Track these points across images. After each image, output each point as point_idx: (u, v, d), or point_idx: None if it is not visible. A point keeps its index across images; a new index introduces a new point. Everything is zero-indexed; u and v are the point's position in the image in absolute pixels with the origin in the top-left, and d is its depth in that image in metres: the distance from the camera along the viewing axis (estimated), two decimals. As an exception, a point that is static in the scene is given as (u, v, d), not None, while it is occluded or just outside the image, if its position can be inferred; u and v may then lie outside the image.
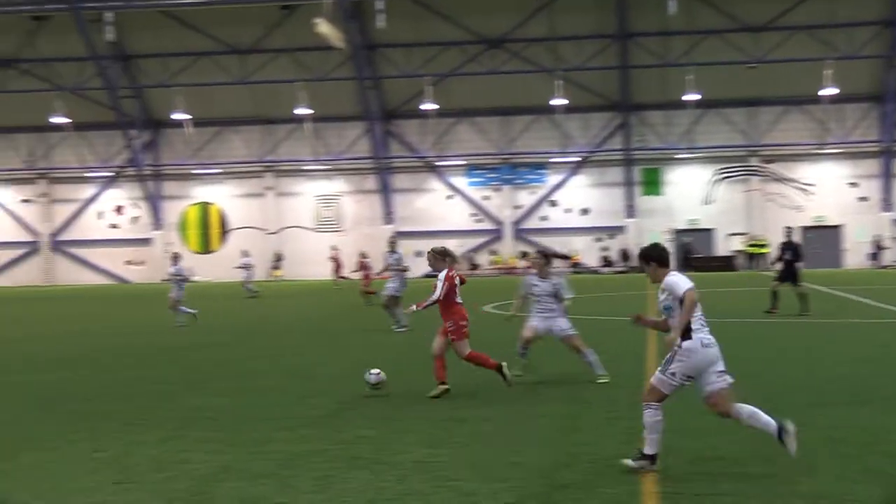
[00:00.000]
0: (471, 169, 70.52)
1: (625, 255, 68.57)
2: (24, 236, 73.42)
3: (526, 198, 70.43)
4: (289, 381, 16.08)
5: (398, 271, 25.40)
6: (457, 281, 14.15)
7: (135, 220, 72.55)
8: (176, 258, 29.77)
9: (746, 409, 9.11)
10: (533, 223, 70.31)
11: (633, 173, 68.78)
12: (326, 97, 67.26)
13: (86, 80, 66.80)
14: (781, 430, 8.98)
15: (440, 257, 14.30)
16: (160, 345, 22.71)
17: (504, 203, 70.39)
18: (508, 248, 69.67)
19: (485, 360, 14.06)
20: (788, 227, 29.44)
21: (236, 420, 12.36)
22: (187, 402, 14.04)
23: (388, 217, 70.11)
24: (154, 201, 71.73)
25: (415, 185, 70.87)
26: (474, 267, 66.25)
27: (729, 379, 9.11)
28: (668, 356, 9.06)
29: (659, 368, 9.15)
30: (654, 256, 9.43)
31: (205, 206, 72.43)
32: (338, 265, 53.21)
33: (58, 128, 69.99)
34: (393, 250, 25.85)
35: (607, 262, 69.13)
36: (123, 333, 25.86)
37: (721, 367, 9.08)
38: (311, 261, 68.75)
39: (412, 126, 70.02)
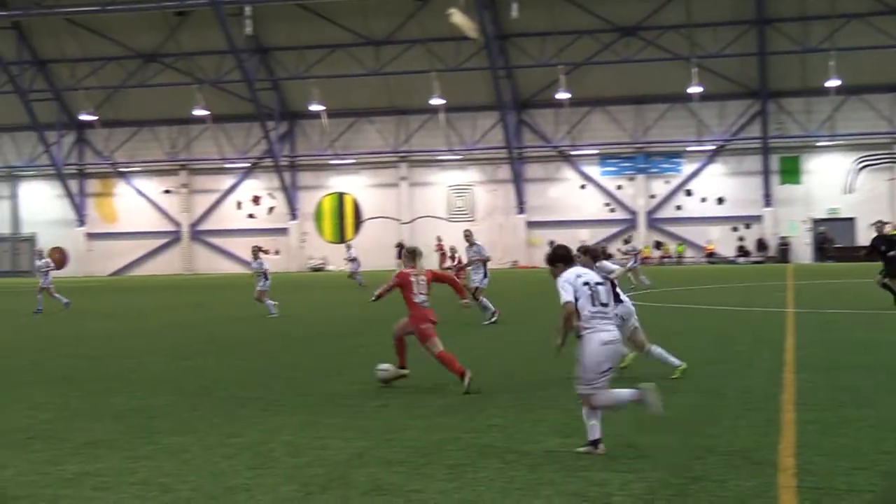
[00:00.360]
0: (604, 158, 69.95)
1: (762, 245, 67.21)
2: (165, 226, 75.37)
3: (660, 187, 69.60)
4: (421, 369, 16.16)
5: (480, 263, 25.36)
6: (411, 280, 13.97)
7: (271, 210, 73.86)
8: (256, 253, 30.15)
9: (607, 395, 9.49)
10: (668, 213, 69.45)
11: (771, 161, 67.35)
12: (460, 87, 67.45)
13: (225, 74, 68.21)
14: (641, 397, 9.48)
15: (408, 256, 14.40)
16: (293, 333, 23.06)
17: (638, 192, 69.65)
18: (642, 238, 68.95)
19: (452, 365, 13.79)
20: (881, 222, 27.97)
21: (370, 407, 12.46)
22: (322, 388, 14.21)
23: (521, 207, 70.02)
24: (290, 191, 72.91)
25: (547, 174, 70.61)
26: (607, 257, 65.58)
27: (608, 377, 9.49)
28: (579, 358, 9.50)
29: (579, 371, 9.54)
30: (557, 257, 9.79)
31: (339, 196, 73.36)
32: (443, 256, 53.60)
33: (198, 120, 71.70)
34: (471, 243, 25.69)
35: (744, 252, 67.85)
36: (256, 321, 26.32)
37: (609, 367, 9.46)
38: (444, 250, 69.16)
39: (545, 115, 69.75)
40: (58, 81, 72.53)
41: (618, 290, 14.11)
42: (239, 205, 74.51)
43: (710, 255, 67.91)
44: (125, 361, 18.19)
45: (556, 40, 65.19)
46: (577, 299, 9.38)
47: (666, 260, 68.42)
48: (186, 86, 69.42)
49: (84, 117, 72.62)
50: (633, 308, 14.32)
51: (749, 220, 68.05)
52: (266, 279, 29.16)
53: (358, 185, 73.13)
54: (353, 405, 12.71)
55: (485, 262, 25.15)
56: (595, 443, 9.45)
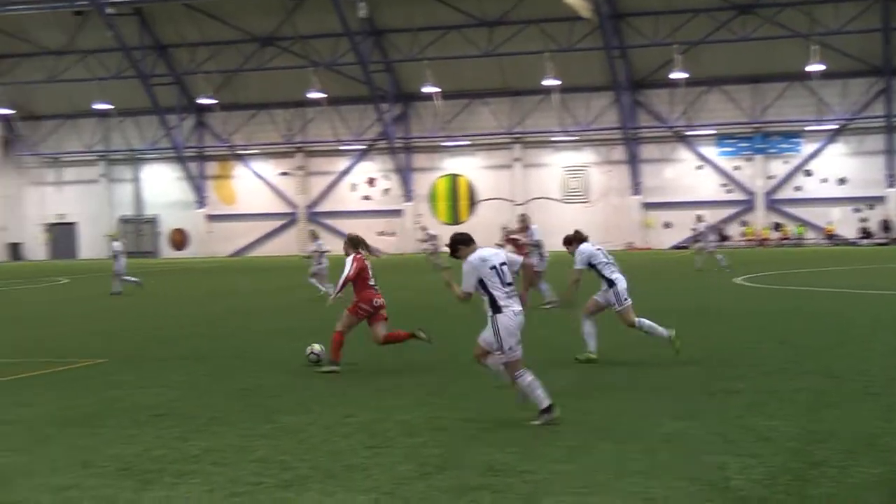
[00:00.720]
0: (721, 138, 68.88)
1: (886, 226, 65.58)
2: (282, 208, 76.42)
3: (779, 167, 68.29)
4: (535, 350, 16.16)
5: (534, 247, 25.31)
6: (367, 264, 14.91)
7: (386, 191, 74.38)
8: (314, 235, 30.86)
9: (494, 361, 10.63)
10: (787, 193, 68.14)
11: (896, 141, 65.60)
12: (573, 68, 67.02)
13: (340, 56, 68.79)
14: (524, 393, 10.35)
15: (349, 244, 15.24)
16: (404, 315, 23.23)
17: (756, 173, 68.46)
18: (761, 220, 67.77)
19: (396, 336, 14.71)
20: None
21: (486, 388, 12.52)
22: (435, 370, 14.31)
23: (636, 188, 69.39)
24: (404, 173, 73.34)
25: (663, 155, 69.82)
26: (724, 238, 64.70)
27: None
28: (489, 333, 10.50)
29: (491, 345, 10.52)
30: (459, 241, 10.73)
31: (454, 178, 73.53)
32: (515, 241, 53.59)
33: (314, 103, 72.44)
34: (526, 227, 25.54)
35: (866, 234, 66.27)
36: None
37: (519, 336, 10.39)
38: (557, 232, 68.74)
39: (661, 95, 68.93)
40: (178, 66, 73.96)
41: (612, 275, 14.53)
42: (354, 187, 75.19)
43: (831, 236, 66.48)
44: (244, 341, 18.56)
45: (670, 19, 64.28)
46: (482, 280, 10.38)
47: (785, 242, 67.18)
48: (302, 69, 70.17)
49: (203, 101, 73.93)
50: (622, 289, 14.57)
51: (872, 201, 66.38)
52: (321, 261, 29.44)
53: (472, 167, 73.22)
54: (468, 386, 12.78)
55: (537, 246, 25.13)
56: (549, 409, 10.24)
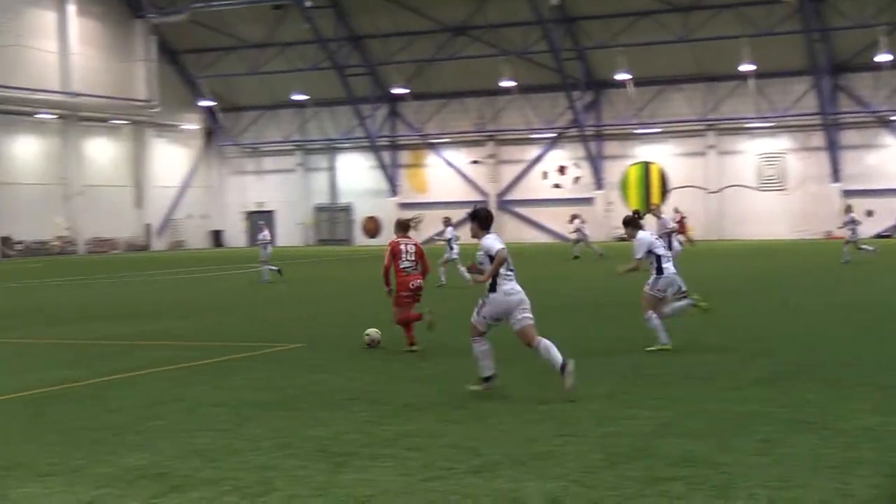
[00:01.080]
0: (928, 123, 66.01)
1: None
2: (473, 196, 76.92)
3: None
4: (731, 341, 15.89)
5: (665, 235, 24.83)
6: (401, 248, 15.32)
7: (577, 179, 74.06)
8: (447, 223, 31.64)
9: (544, 342, 11.37)
10: None
11: None
12: (771, 52, 65.24)
13: (531, 44, 68.78)
14: (564, 367, 11.10)
15: (397, 227, 15.99)
16: (593, 302, 23.08)
17: (967, 158, 65.35)
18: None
19: (408, 319, 15.45)
20: None
21: (675, 378, 12.38)
22: (630, 359, 14.22)
23: (835, 175, 67.14)
24: (595, 161, 72.87)
25: (865, 141, 67.33)
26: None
27: (531, 317, 11.45)
28: (480, 302, 11.58)
29: (475, 310, 11.65)
30: (477, 217, 11.90)
31: (646, 166, 72.68)
32: (682, 227, 52.91)
33: (505, 91, 72.67)
34: (658, 216, 25.35)
35: None
36: (550, 291, 26.43)
37: (525, 307, 11.42)
38: (752, 220, 67.43)
39: (863, 79, 66.44)
40: (372, 56, 75.24)
41: (664, 264, 14.82)
42: (545, 175, 75.08)
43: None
44: (442, 327, 18.75)
45: (875, -1, 62.00)
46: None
47: None
48: (494, 58, 70.45)
49: (396, 91, 75.10)
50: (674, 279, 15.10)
51: None
52: (452, 249, 29.99)
53: (664, 154, 72.16)
54: (658, 375, 12.67)
55: (669, 234, 24.62)
56: (489, 378, 11.62)
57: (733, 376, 12.44)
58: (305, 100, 77.06)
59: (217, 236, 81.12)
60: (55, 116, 69.93)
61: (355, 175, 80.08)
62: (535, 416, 10.34)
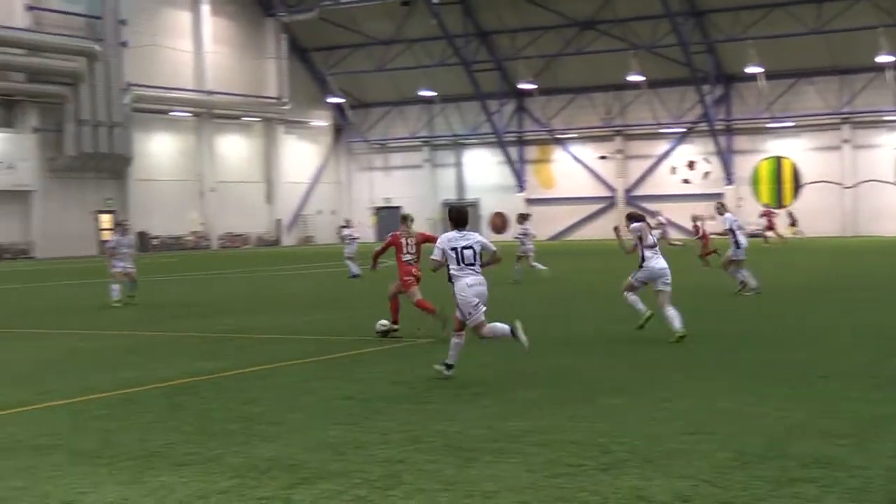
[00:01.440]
0: None
1: None
2: (601, 191, 76.53)
3: None
4: (864, 339, 15.53)
5: (730, 233, 24.24)
6: (402, 241, 17.37)
7: (706, 175, 73.03)
8: (522, 218, 31.84)
9: (488, 327, 12.58)
10: None
11: None
12: (910, 42, 63.40)
13: (659, 38, 68.04)
14: (513, 331, 12.40)
15: (401, 220, 18.47)
16: (721, 307, 22.77)
17: None
18: None
19: (424, 307, 17.04)
20: None
21: (810, 377, 12.14)
22: (760, 355, 14.02)
23: (978, 169, 64.92)
24: (725, 156, 71.75)
25: None
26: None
27: (483, 309, 12.58)
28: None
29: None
30: (450, 216, 13.04)
31: (777, 161, 71.29)
32: (770, 224, 51.92)
33: (633, 86, 72.04)
34: (722, 213, 25.26)
35: None
36: (692, 288, 26.05)
37: (483, 301, 12.60)
38: (889, 216, 65.62)
39: None
40: (499, 52, 75.29)
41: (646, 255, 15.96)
42: (673, 170, 74.23)
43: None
44: (563, 323, 18.74)
45: None
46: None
47: None
48: (622, 52, 69.92)
49: (523, 86, 75.03)
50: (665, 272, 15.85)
51: None
52: (525, 243, 30.51)
53: (797, 149, 70.66)
54: (790, 374, 12.44)
55: (732, 232, 23.99)
56: (449, 367, 12.62)
57: (869, 375, 12.15)
58: (433, 96, 77.53)
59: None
60: (189, 114, 71.73)
61: (482, 171, 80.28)
62: (663, 413, 10.25)
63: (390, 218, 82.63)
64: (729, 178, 71.73)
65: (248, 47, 75.83)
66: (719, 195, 71.11)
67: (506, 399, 11.27)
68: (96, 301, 26.74)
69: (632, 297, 16.24)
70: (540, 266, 30.33)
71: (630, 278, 16.23)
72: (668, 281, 15.77)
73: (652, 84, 71.44)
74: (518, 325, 12.45)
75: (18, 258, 60.25)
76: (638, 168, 75.35)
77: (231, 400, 11.77)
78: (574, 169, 77.32)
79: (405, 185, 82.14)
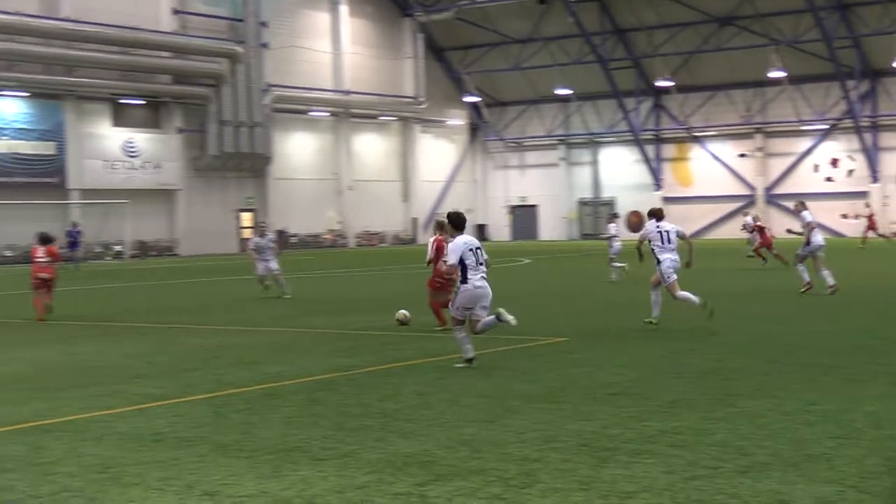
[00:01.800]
0: None
1: None
2: (740, 190, 75.18)
3: None
4: None
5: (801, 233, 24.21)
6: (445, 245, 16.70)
7: (850, 172, 71.16)
8: (613, 218, 32.20)
9: (482, 322, 13.55)
10: None
11: None
12: None
13: (802, 33, 66.55)
14: (498, 318, 13.49)
15: (437, 227, 19.22)
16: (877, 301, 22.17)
17: None
18: None
19: (438, 314, 18.39)
20: None
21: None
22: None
23: None
24: (871, 153, 69.80)
25: None
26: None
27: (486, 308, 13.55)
28: (453, 296, 14.03)
29: (451, 302, 14.05)
30: (449, 221, 14.26)
31: (929, 158, 69.09)
32: (871, 224, 50.31)
33: (774, 82, 70.59)
34: (799, 212, 24.71)
35: None
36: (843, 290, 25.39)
37: (485, 303, 13.62)
38: None
39: None
40: (636, 49, 74.51)
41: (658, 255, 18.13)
42: (816, 167, 72.51)
43: None
44: (705, 324, 18.45)
45: None
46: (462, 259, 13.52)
47: None
48: (762, 48, 68.56)
49: (660, 83, 74.13)
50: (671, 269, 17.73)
51: None
52: (613, 244, 30.34)
53: (949, 145, 68.57)
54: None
55: (809, 230, 23.17)
56: (470, 360, 13.54)
57: None
58: (569, 94, 77.18)
59: (481, 230, 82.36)
60: (328, 114, 72.75)
61: (619, 169, 79.64)
62: (806, 416, 10.01)
63: (526, 217, 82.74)
64: (874, 176, 69.77)
65: (385, 47, 76.57)
66: (864, 193, 69.35)
67: (644, 399, 11.15)
68: (238, 297, 27.34)
69: (654, 297, 18.05)
70: (619, 264, 29.85)
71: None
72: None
73: (793, 80, 69.91)
74: (501, 310, 13.55)
75: (164, 255, 61.96)
76: (779, 166, 73.80)
77: (369, 396, 11.89)
78: (712, 167, 76.14)
79: (541, 183, 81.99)
